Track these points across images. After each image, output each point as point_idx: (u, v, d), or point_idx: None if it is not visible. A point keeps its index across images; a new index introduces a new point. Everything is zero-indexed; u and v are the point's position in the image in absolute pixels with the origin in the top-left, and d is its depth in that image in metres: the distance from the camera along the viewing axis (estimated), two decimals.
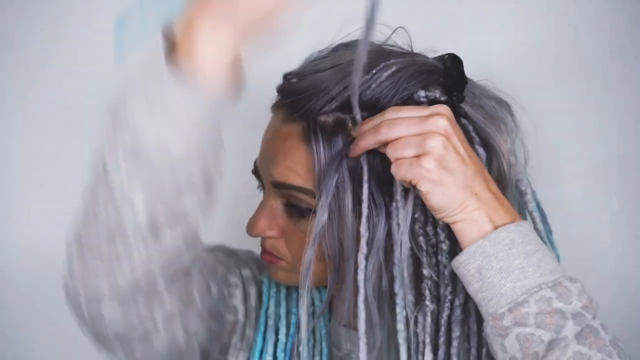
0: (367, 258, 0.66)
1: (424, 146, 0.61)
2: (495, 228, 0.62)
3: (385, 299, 0.69)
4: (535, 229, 0.71)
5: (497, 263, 0.61)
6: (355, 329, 0.70)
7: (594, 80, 0.98)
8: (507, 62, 1.00)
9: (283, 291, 0.81)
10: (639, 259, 0.98)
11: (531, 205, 0.72)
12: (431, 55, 0.73)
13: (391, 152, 0.63)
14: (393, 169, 0.63)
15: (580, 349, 0.58)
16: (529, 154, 0.76)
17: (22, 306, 1.10)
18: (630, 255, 0.99)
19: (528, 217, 0.72)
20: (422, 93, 0.68)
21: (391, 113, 0.64)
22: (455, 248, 0.67)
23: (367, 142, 0.65)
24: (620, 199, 0.98)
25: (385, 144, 0.63)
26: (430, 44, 0.74)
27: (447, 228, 0.66)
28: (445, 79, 0.69)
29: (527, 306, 0.59)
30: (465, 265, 0.62)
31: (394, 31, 0.74)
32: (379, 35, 0.72)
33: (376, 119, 0.65)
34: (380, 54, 0.69)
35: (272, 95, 0.73)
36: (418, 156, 0.61)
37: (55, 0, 1.07)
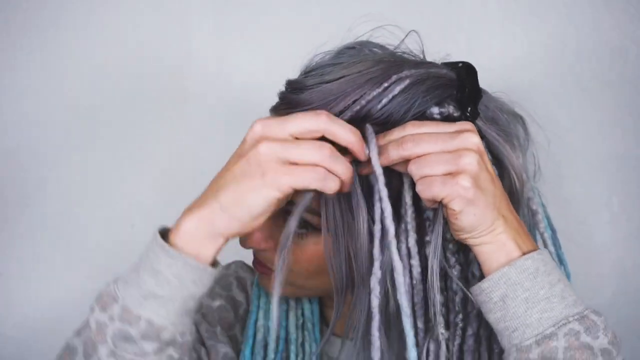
0: (380, 283, 0.60)
1: (459, 163, 0.57)
2: (523, 254, 0.59)
3: (393, 326, 0.65)
4: None
5: (523, 292, 0.58)
6: (349, 338, 0.68)
7: (594, 80, 0.98)
8: (508, 63, 1.00)
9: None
10: (639, 259, 0.98)
11: (542, 226, 0.70)
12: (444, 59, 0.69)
13: (416, 169, 0.58)
14: (420, 187, 0.58)
15: None
16: (540, 169, 0.73)
17: None
18: (630, 255, 0.99)
19: (538, 237, 0.71)
20: (435, 110, 0.63)
21: (413, 128, 0.60)
22: (465, 273, 0.65)
23: (388, 158, 0.60)
24: (620, 199, 0.98)
25: (406, 161, 0.60)
26: (436, 47, 0.71)
27: (458, 252, 0.64)
28: (459, 93, 0.64)
29: (555, 340, 0.57)
30: (488, 292, 0.59)
31: (407, 35, 0.70)
32: (390, 37, 0.69)
33: (394, 134, 0.61)
34: (392, 64, 0.64)
35: (272, 96, 0.71)
36: (451, 174, 0.58)
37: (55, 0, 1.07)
